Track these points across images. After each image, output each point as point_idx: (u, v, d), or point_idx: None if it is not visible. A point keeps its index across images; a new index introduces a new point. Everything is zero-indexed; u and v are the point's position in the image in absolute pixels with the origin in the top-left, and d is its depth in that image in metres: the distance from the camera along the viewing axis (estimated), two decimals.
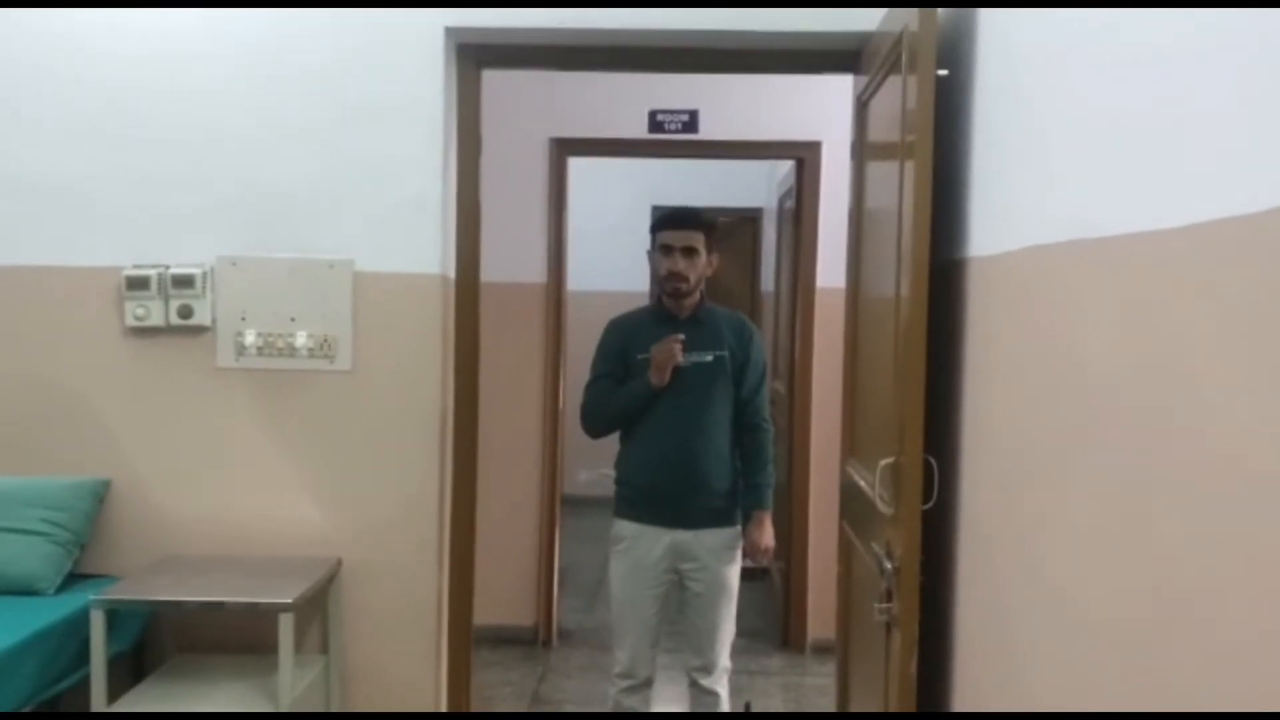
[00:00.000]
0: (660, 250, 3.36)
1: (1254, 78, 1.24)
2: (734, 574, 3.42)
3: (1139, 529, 1.51)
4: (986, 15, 2.39)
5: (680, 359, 3.28)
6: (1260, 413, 1.20)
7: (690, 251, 3.33)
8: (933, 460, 2.43)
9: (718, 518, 3.37)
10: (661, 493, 3.34)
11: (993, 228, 2.30)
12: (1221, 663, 1.26)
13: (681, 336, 3.29)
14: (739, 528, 3.42)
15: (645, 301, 8.34)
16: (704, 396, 3.34)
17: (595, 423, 3.47)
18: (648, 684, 3.43)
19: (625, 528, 3.40)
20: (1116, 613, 1.57)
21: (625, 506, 3.42)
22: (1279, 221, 1.16)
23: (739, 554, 3.43)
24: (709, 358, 3.35)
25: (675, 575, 3.39)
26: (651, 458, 3.36)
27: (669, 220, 3.39)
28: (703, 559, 3.35)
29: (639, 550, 3.36)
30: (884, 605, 2.51)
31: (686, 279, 3.33)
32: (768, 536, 3.44)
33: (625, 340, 3.42)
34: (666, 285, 3.38)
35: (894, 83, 2.64)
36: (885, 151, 2.82)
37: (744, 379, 3.41)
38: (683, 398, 3.32)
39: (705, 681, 3.42)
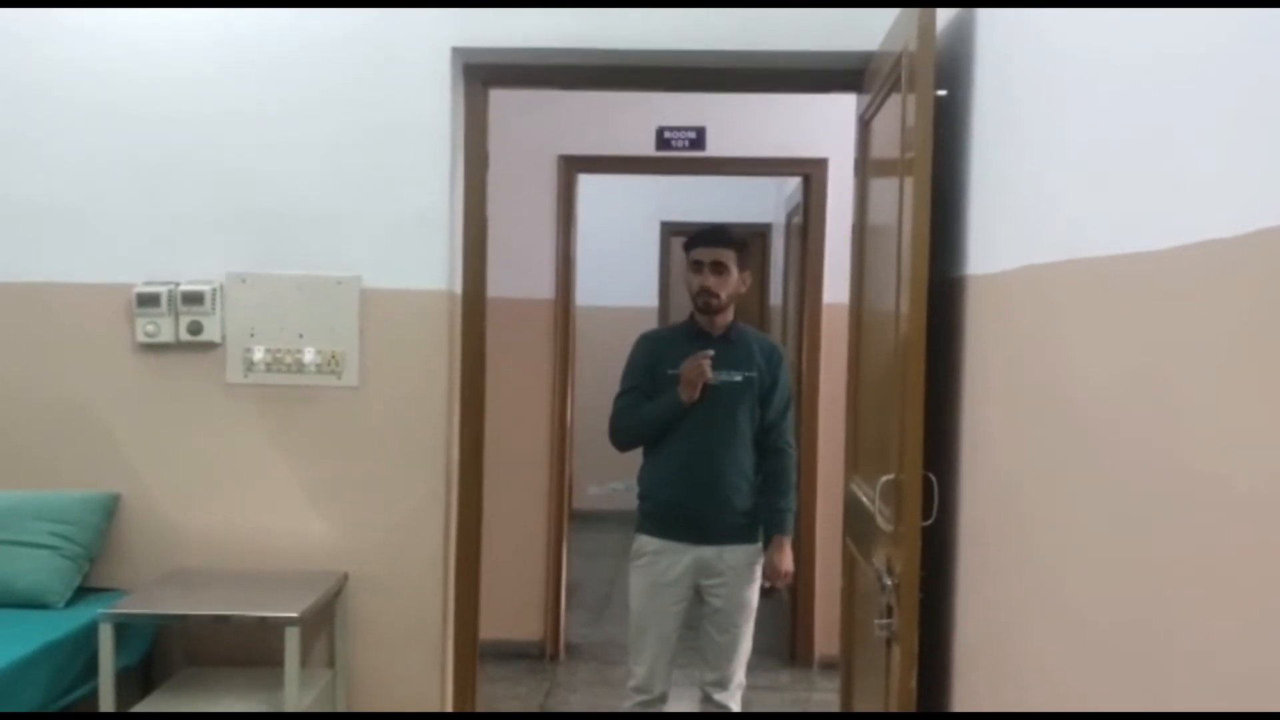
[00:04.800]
0: (691, 267, 3.39)
1: (1240, 103, 1.26)
2: (754, 591, 3.42)
3: (1136, 543, 1.52)
4: (984, 35, 2.42)
5: (710, 376, 3.29)
6: (1250, 427, 1.22)
7: (719, 267, 3.35)
8: (932, 477, 2.44)
9: (741, 534, 3.38)
10: (685, 509, 3.35)
11: (990, 246, 2.32)
12: (1223, 672, 1.27)
13: (711, 353, 3.29)
14: (760, 545, 3.43)
15: (653, 317, 8.39)
16: (730, 416, 3.35)
17: (622, 436, 3.48)
18: (663, 699, 3.42)
19: (647, 543, 3.40)
20: (1116, 627, 1.58)
21: (648, 522, 3.42)
22: (1262, 243, 1.18)
23: (759, 571, 3.43)
24: (738, 377, 3.36)
25: (694, 591, 3.39)
26: (675, 474, 3.36)
27: (700, 237, 3.42)
28: (725, 575, 3.36)
29: (661, 566, 3.36)
30: (884, 621, 2.52)
31: (717, 295, 3.35)
32: (787, 561, 3.44)
33: (655, 355, 3.43)
34: (698, 301, 3.40)
35: (895, 102, 2.67)
36: (886, 169, 2.84)
37: (771, 401, 3.42)
38: (710, 416, 3.33)
39: (719, 696, 3.43)
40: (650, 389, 3.41)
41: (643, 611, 3.40)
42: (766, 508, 3.43)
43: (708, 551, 3.34)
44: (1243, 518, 1.22)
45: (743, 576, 3.38)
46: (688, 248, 3.44)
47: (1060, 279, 1.85)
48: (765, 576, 3.44)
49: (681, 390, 3.29)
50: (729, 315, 3.43)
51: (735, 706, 3.45)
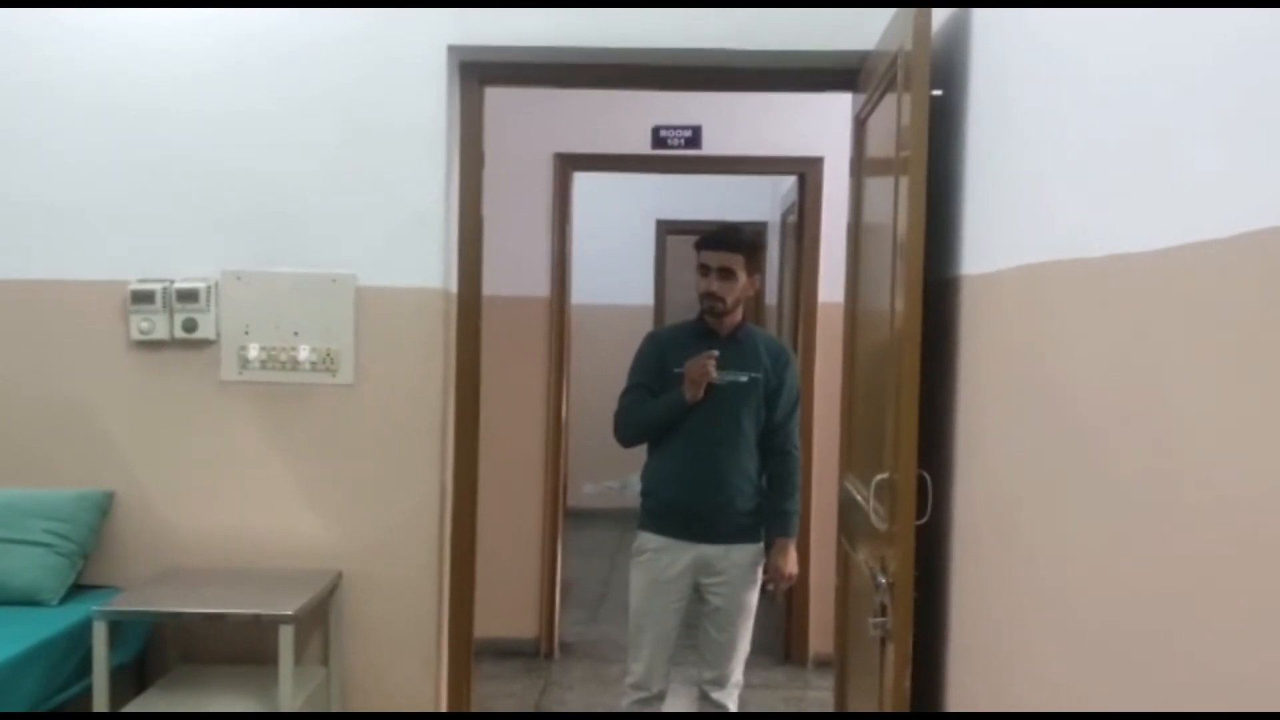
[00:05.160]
0: (699, 269, 3.38)
1: (1237, 104, 1.26)
2: (754, 592, 3.42)
3: (1130, 543, 1.52)
4: (979, 36, 2.42)
5: (714, 375, 3.28)
6: (1241, 427, 1.22)
7: (726, 273, 3.32)
8: (927, 475, 2.45)
9: (743, 534, 3.38)
10: (686, 507, 3.35)
11: (984, 246, 2.32)
12: (1213, 673, 1.28)
13: (716, 353, 3.29)
14: (762, 545, 3.43)
15: (648, 315, 8.37)
16: (735, 416, 3.35)
17: (627, 432, 3.49)
18: (660, 697, 3.42)
19: (649, 540, 3.40)
20: (1108, 626, 1.59)
21: (650, 519, 3.42)
22: (1255, 244, 1.18)
23: (760, 572, 3.43)
24: (744, 378, 3.35)
25: (694, 589, 3.39)
26: (678, 473, 3.37)
27: (708, 240, 3.39)
28: (727, 574, 3.36)
29: (662, 563, 3.37)
30: (878, 619, 2.53)
31: (722, 300, 3.34)
32: (790, 564, 3.44)
33: (663, 353, 3.43)
34: (703, 304, 3.39)
35: (890, 101, 2.67)
36: (882, 169, 2.85)
37: (776, 403, 3.41)
38: (714, 416, 3.33)
39: (716, 695, 3.43)
40: (656, 386, 3.41)
41: (642, 609, 3.40)
42: (771, 510, 3.43)
43: (709, 550, 3.34)
44: (1236, 518, 1.23)
45: (743, 577, 3.38)
46: (697, 248, 3.42)
47: (1055, 279, 1.85)
48: (767, 578, 3.44)
49: (686, 389, 3.29)
50: (738, 315, 3.42)
51: (732, 706, 3.45)
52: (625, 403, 3.47)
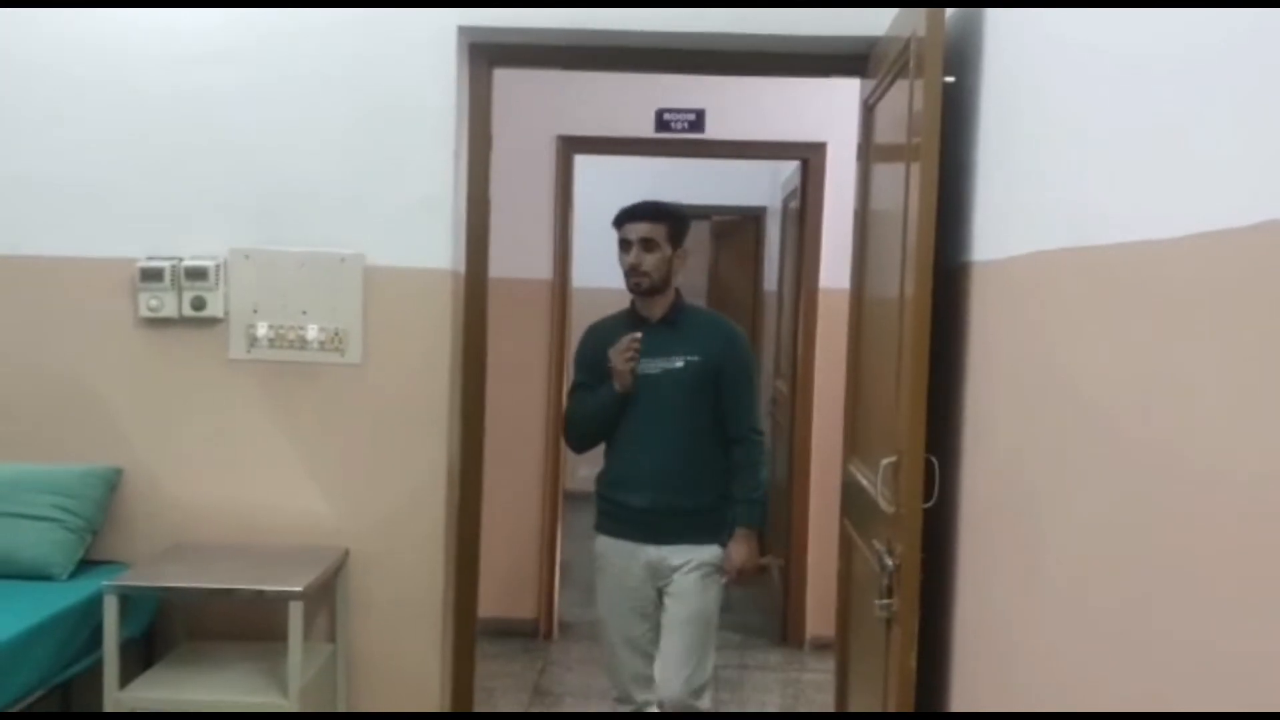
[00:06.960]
0: (620, 245, 3.23)
1: (1253, 92, 1.27)
2: (710, 597, 3.20)
3: (1135, 529, 1.54)
4: (993, 24, 2.43)
5: (635, 361, 3.13)
6: (1250, 416, 1.24)
7: (648, 244, 3.17)
8: (934, 459, 2.47)
9: (696, 534, 3.19)
10: (635, 508, 3.19)
11: (996, 233, 2.34)
12: (1218, 661, 1.29)
13: (639, 335, 3.16)
14: (721, 546, 3.22)
15: None
16: (677, 405, 3.17)
17: (571, 436, 3.40)
18: (645, 705, 3.26)
19: (603, 543, 3.29)
20: (1113, 611, 1.61)
21: (603, 520, 3.31)
22: (1274, 233, 1.20)
23: (718, 574, 3.22)
24: (679, 363, 3.16)
25: (657, 592, 3.23)
26: (624, 472, 3.23)
27: (625, 214, 3.25)
28: (673, 579, 3.18)
29: (618, 567, 3.24)
30: (884, 601, 2.55)
31: (647, 274, 3.17)
32: (744, 555, 3.19)
33: (599, 347, 3.26)
34: (629, 282, 3.23)
35: (901, 87, 2.68)
36: (891, 155, 2.86)
37: (725, 384, 3.20)
38: (651, 407, 3.17)
39: (689, 701, 3.21)
40: (596, 383, 3.27)
41: (608, 617, 3.30)
42: (732, 499, 3.22)
43: (660, 551, 3.18)
44: (1247, 508, 1.24)
45: (694, 581, 3.17)
46: (616, 224, 3.26)
47: (1065, 266, 1.87)
48: (724, 570, 3.23)
49: (615, 381, 3.16)
50: (669, 296, 3.26)
51: (703, 705, 3.22)
52: (569, 406, 3.34)
